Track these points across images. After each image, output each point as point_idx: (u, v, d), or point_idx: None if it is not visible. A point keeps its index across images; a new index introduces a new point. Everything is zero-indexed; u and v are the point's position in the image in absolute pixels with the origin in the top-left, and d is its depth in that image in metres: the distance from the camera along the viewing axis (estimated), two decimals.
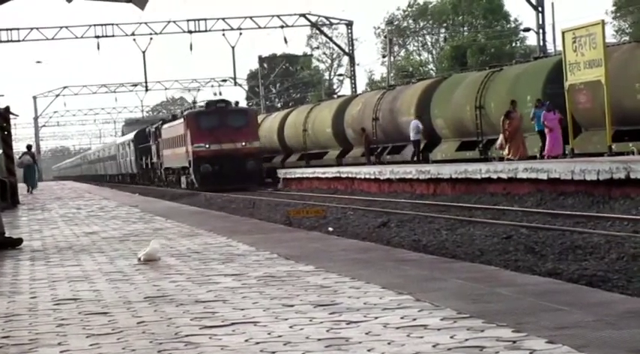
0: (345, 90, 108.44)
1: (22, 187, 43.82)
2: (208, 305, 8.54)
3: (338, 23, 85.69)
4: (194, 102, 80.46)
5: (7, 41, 79.16)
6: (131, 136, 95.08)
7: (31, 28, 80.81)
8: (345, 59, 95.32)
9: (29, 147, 58.84)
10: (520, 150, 39.81)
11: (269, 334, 7.04)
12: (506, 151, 40.13)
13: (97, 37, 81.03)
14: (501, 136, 40.60)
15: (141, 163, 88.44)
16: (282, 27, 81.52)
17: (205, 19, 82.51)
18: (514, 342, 6.27)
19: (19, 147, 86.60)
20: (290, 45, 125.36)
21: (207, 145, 61.87)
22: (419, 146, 51.89)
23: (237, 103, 73.49)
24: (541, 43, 59.05)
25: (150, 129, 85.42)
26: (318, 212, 32.17)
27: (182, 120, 67.08)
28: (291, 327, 7.25)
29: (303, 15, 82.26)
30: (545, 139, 39.56)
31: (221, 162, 61.10)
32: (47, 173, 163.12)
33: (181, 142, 66.59)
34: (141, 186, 79.42)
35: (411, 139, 51.45)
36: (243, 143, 61.96)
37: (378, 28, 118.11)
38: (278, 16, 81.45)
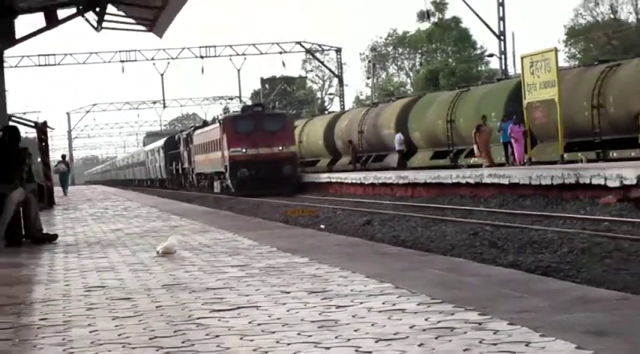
0: (335, 107, 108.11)
1: (57, 191, 43.72)
2: (217, 292, 8.52)
3: (329, 49, 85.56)
4: (217, 116, 69.68)
5: (45, 65, 79.11)
6: (161, 142, 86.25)
7: (65, 54, 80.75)
8: (335, 80, 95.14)
9: (64, 156, 58.95)
10: (488, 159, 39.94)
11: (269, 316, 7.03)
12: (483, 159, 40.25)
13: (122, 61, 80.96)
14: (475, 147, 40.74)
15: (170, 168, 79.96)
16: (280, 53, 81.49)
17: (215, 46, 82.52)
18: (480, 324, 6.27)
19: (54, 156, 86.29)
20: (287, 68, 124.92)
21: (243, 150, 54.04)
22: (402, 155, 52.34)
23: (273, 106, 69.55)
24: (503, 67, 59.04)
25: (180, 136, 77.89)
26: (312, 212, 32.21)
27: (217, 125, 58.70)
28: (288, 310, 7.24)
29: (299, 42, 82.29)
30: (508, 149, 39.66)
31: (257, 166, 53.06)
32: (79, 178, 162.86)
33: (216, 147, 58.35)
34: (170, 190, 72.63)
35: (396, 149, 52.29)
36: (280, 147, 54.11)
37: (363, 53, 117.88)
38: (277, 43, 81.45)
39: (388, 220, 26.81)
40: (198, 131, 67.52)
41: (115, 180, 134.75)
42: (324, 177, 53.89)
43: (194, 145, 67.73)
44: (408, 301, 7.39)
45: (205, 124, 68.55)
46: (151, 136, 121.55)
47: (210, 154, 60.90)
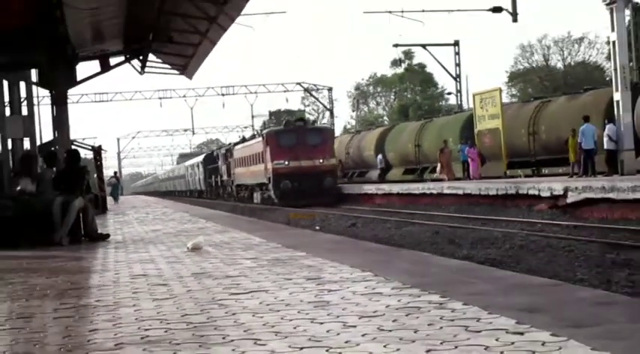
0: None
1: (109, 199, 43.68)
2: (235, 279, 8.51)
3: (322, 88, 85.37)
4: (259, 131, 61.88)
5: (100, 101, 79.12)
6: (200, 158, 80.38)
7: (116, 93, 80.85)
8: (327, 113, 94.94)
9: (115, 173, 59.27)
10: (450, 174, 39.97)
11: (275, 298, 7.02)
12: (442, 175, 40.29)
13: (160, 98, 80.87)
14: (439, 165, 40.78)
15: (209, 181, 72.85)
16: (284, 91, 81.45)
17: (233, 86, 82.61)
18: (441, 304, 6.26)
19: (107, 172, 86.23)
20: (290, 103, 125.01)
21: (286, 162, 46.29)
22: (383, 171, 52.70)
23: (314, 122, 62.03)
24: (459, 102, 59.06)
25: (218, 152, 70.67)
26: (310, 216, 32.17)
27: (260, 139, 50.80)
28: (290, 294, 7.23)
29: (299, 83, 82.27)
30: (465, 166, 39.73)
31: (300, 178, 45.46)
32: (127, 190, 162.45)
33: (258, 160, 50.35)
34: (208, 200, 65.37)
35: (378, 167, 52.93)
36: (321, 160, 46.30)
37: (350, 91, 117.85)
38: (282, 83, 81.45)
39: (369, 222, 26.81)
40: (239, 146, 59.64)
41: (157, 191, 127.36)
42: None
43: (234, 158, 59.93)
44: (384, 286, 7.39)
45: (244, 140, 60.37)
46: (183, 157, 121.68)
47: (251, 167, 52.98)
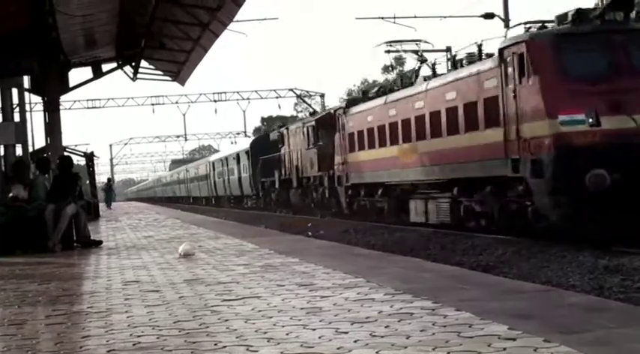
0: None
1: (102, 206, 43.63)
2: (227, 285, 8.50)
3: (315, 95, 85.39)
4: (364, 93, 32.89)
5: (92, 107, 79.01)
6: (244, 146, 53.66)
7: (108, 99, 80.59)
8: None
9: (109, 179, 59.53)
10: None
11: (268, 304, 7.02)
12: None
13: (152, 104, 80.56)
14: None
15: (264, 181, 45.43)
16: (277, 97, 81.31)
17: (225, 92, 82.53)
18: (433, 310, 6.26)
19: (100, 179, 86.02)
20: (282, 109, 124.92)
21: (591, 120, 14.96)
22: None
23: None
24: None
25: (284, 132, 41.28)
26: (303, 223, 32.08)
27: (489, 65, 18.12)
28: (282, 300, 7.23)
29: (292, 89, 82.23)
30: None
31: (630, 161, 14.92)
32: (119, 196, 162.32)
33: (476, 120, 18.76)
34: (266, 211, 42.34)
35: None
36: None
37: (341, 98, 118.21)
38: (274, 89, 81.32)
39: (362, 228, 26.76)
40: (363, 106, 28.59)
41: (158, 197, 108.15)
42: None
43: (348, 132, 29.53)
44: (376, 292, 7.39)
45: (366, 94, 31.61)
46: (175, 163, 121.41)
47: (429, 142, 22.10)
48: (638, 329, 5.26)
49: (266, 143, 46.13)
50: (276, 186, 42.29)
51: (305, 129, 36.82)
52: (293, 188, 38.85)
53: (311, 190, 36.45)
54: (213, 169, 63.90)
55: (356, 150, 28.90)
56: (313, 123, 35.61)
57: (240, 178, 52.87)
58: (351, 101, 32.29)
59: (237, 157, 53.74)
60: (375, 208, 27.89)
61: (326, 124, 33.28)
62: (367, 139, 27.71)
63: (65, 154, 20.96)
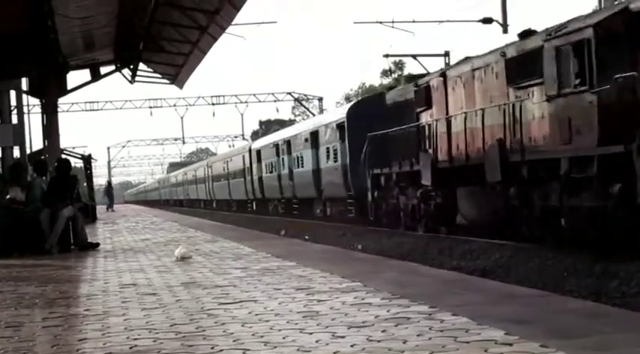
0: None
1: (102, 208, 43.64)
2: (224, 289, 8.49)
3: (312, 98, 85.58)
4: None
5: (90, 110, 79.08)
6: (332, 116, 33.25)
7: (106, 101, 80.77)
8: None
9: (109, 181, 59.84)
10: None
11: (265, 308, 7.01)
12: None
13: (150, 107, 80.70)
14: None
15: (377, 172, 25.89)
16: (275, 101, 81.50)
17: (223, 95, 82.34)
18: (430, 314, 6.26)
19: (98, 181, 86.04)
20: (280, 113, 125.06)
21: None
22: None
23: None
24: None
25: (430, 81, 21.69)
26: (300, 227, 32.11)
27: None
28: (279, 304, 7.22)
29: (289, 93, 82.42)
30: None
31: None
32: (117, 199, 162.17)
33: None
34: (394, 230, 24.94)
35: None
36: None
37: (339, 101, 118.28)
38: (272, 93, 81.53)
39: (359, 233, 26.75)
40: None
41: (164, 199, 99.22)
42: None
43: None
44: (373, 296, 7.38)
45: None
46: (173, 166, 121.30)
47: None
48: (635, 334, 5.26)
49: (378, 111, 26.34)
50: (424, 182, 22.17)
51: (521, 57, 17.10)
52: (480, 187, 19.38)
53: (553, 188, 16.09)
54: (258, 161, 45.81)
55: None
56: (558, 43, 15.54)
57: (318, 170, 34.02)
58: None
59: (314, 136, 34.26)
60: None
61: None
62: None
63: (63, 156, 20.97)
